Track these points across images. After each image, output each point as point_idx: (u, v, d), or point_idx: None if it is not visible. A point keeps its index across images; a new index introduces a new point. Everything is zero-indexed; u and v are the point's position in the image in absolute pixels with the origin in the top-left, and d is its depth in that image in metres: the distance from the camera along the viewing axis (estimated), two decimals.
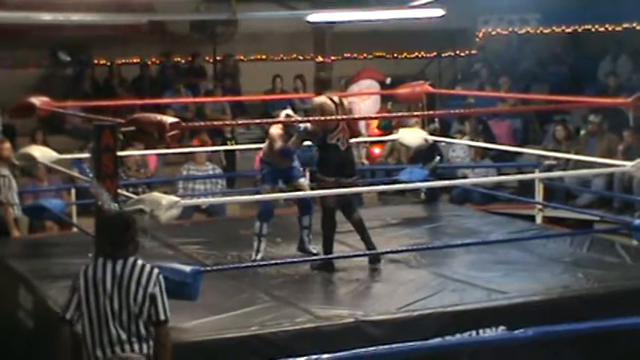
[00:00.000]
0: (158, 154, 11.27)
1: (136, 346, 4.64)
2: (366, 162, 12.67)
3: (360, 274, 6.79)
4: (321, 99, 7.09)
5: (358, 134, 7.55)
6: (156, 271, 4.74)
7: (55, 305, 5.68)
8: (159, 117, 5.87)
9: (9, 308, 6.85)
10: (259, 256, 7.25)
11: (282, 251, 7.59)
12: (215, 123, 12.36)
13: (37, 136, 11.50)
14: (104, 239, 4.80)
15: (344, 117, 7.18)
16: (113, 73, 14.22)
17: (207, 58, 15.03)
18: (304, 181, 7.59)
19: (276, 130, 7.40)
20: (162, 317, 4.68)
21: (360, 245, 7.54)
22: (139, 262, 4.74)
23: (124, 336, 4.62)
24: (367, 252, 7.15)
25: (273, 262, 7.00)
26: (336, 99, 7.16)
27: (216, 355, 5.35)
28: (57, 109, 8.98)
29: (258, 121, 11.83)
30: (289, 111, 7.64)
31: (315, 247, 7.36)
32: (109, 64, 14.41)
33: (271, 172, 7.37)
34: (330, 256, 7.11)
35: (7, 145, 8.44)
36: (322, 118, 6.96)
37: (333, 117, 6.97)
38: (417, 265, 7.04)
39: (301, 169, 7.63)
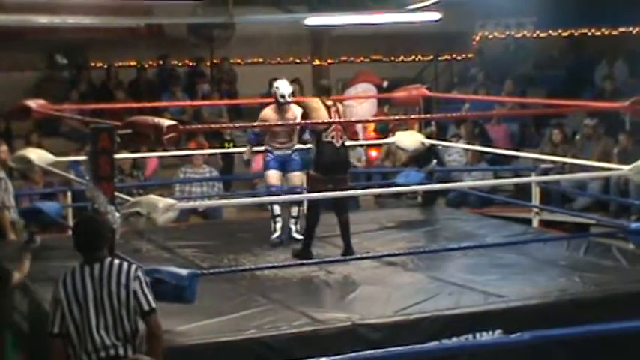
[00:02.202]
0: (153, 159, 11.27)
1: (121, 350, 4.63)
2: (359, 164, 12.69)
3: (356, 278, 6.79)
4: (311, 100, 7.57)
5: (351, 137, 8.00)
6: (134, 266, 4.74)
7: None
8: (156, 120, 5.87)
9: (4, 311, 6.84)
10: (275, 235, 7.95)
11: (279, 254, 7.60)
12: (212, 126, 12.36)
13: (32, 138, 11.48)
14: (79, 244, 4.78)
15: (341, 120, 7.54)
16: (110, 75, 14.21)
17: (204, 62, 15.03)
18: (299, 174, 8.10)
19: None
20: (146, 308, 4.68)
21: (356, 248, 7.56)
22: (116, 261, 4.74)
23: (108, 341, 4.61)
24: (365, 255, 7.17)
25: (270, 265, 7.01)
26: (329, 102, 7.50)
27: (213, 358, 5.34)
28: (53, 112, 8.97)
29: (255, 124, 11.76)
30: None
31: (299, 233, 7.83)
32: (106, 67, 14.41)
33: (273, 159, 8.09)
34: (328, 259, 7.14)
35: (4, 147, 8.43)
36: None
37: (326, 119, 7.31)
38: (413, 269, 7.04)
39: (299, 162, 8.23)
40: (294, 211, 8.00)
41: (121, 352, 4.62)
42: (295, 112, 8.02)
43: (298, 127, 8.40)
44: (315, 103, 7.45)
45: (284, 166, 8.14)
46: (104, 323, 4.61)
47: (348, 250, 7.36)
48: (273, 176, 8.12)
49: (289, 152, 8.14)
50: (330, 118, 7.35)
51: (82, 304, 4.63)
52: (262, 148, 8.41)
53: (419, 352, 4.69)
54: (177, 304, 5.46)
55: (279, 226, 7.98)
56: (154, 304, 4.71)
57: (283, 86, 8.02)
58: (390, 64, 15.86)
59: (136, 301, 4.66)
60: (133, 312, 4.65)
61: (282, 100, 7.95)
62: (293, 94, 8.11)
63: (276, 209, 8.00)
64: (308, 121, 7.59)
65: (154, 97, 13.25)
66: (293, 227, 7.99)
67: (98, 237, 4.76)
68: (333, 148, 7.33)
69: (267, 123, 8.04)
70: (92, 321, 4.61)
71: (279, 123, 8.00)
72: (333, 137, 7.32)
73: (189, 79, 14.69)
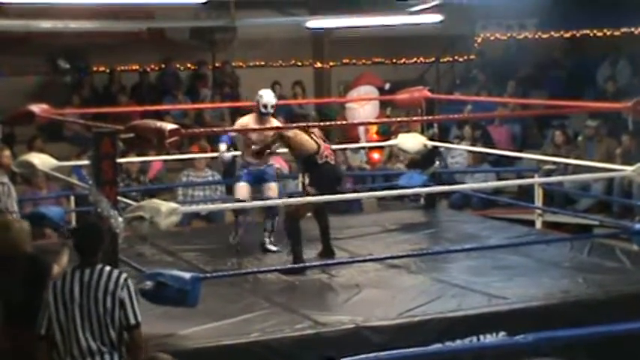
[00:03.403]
0: (158, 161, 11.27)
1: (107, 357, 4.63)
2: (366, 166, 12.72)
3: (360, 280, 6.79)
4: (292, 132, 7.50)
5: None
6: (124, 275, 4.73)
7: None
8: (158, 124, 5.87)
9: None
10: (234, 240, 7.93)
11: (281, 258, 7.59)
12: (214, 129, 12.36)
13: (35, 143, 11.48)
14: (75, 246, 4.80)
15: (344, 123, 7.41)
16: (113, 80, 14.22)
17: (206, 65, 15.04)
18: (274, 185, 8.00)
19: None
20: (132, 321, 4.66)
21: (359, 251, 7.56)
22: (107, 268, 4.73)
23: (94, 346, 4.61)
24: (367, 258, 7.16)
25: (273, 268, 7.01)
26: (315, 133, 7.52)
27: None
28: (56, 117, 8.98)
29: (257, 127, 11.79)
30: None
31: (276, 245, 7.75)
32: (108, 71, 14.42)
33: (247, 173, 7.92)
34: (331, 262, 7.14)
35: (7, 152, 8.42)
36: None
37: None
38: (416, 271, 7.04)
39: (274, 174, 8.09)
40: (269, 224, 7.82)
41: (107, 359, 4.62)
42: (275, 125, 7.97)
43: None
44: (292, 132, 7.45)
45: (258, 179, 7.96)
46: (90, 329, 4.61)
47: (327, 251, 7.47)
48: (242, 189, 7.87)
49: (262, 167, 7.96)
50: (312, 138, 7.37)
51: (68, 308, 4.63)
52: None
53: (422, 354, 4.68)
54: (180, 308, 5.46)
55: (239, 232, 7.96)
56: (140, 318, 4.69)
57: (268, 96, 7.81)
58: (392, 67, 15.85)
59: (123, 312, 4.64)
60: (119, 321, 4.63)
61: (264, 111, 7.76)
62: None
63: (240, 218, 8.01)
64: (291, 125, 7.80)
65: (156, 101, 13.24)
66: (267, 240, 7.81)
67: (92, 242, 4.76)
68: (331, 166, 7.36)
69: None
70: (78, 326, 4.61)
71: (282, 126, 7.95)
72: (327, 156, 7.33)
73: (192, 82, 14.69)
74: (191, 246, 8.00)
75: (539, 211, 9.16)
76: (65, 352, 4.62)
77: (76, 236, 4.85)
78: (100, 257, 4.78)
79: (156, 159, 10.82)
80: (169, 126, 5.82)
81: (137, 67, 14.61)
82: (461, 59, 16.29)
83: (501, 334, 5.79)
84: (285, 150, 7.96)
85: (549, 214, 9.62)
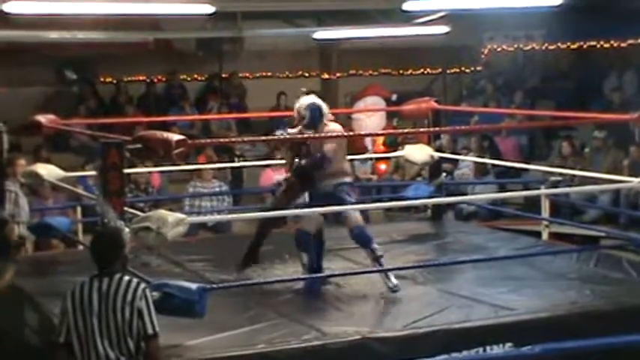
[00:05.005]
0: (163, 172, 11.29)
1: None
2: (374, 177, 12.76)
3: (366, 291, 6.78)
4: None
5: None
6: (142, 285, 4.73)
7: None
8: (165, 134, 5.87)
9: (15, 326, 6.85)
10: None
11: (289, 268, 7.59)
12: (221, 140, 12.39)
13: (41, 153, 11.51)
14: (92, 256, 4.80)
15: (352, 134, 7.37)
16: (120, 90, 14.27)
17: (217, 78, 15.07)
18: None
19: None
20: (150, 331, 4.66)
21: (366, 262, 7.53)
22: (125, 278, 4.73)
23: (112, 355, 4.61)
24: (375, 269, 7.14)
25: (279, 279, 7.00)
26: None
27: None
28: (63, 127, 9.00)
29: (263, 138, 11.82)
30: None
31: None
32: (115, 81, 14.47)
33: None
34: (338, 272, 7.12)
35: (23, 161, 8.44)
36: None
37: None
38: (423, 282, 7.02)
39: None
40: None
41: None
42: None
43: None
44: None
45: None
46: (108, 338, 4.62)
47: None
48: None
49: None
50: None
51: (86, 317, 4.64)
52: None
53: None
54: (186, 319, 5.46)
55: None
56: (157, 329, 4.70)
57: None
58: (399, 78, 15.88)
59: (141, 322, 4.64)
60: (136, 331, 4.64)
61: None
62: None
63: None
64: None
65: (163, 112, 13.29)
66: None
67: (109, 252, 4.76)
68: None
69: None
70: (96, 335, 4.62)
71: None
72: None
73: (203, 94, 14.74)
74: (198, 256, 7.99)
75: (545, 223, 9.14)
76: (83, 359, 4.63)
77: (91, 246, 4.86)
78: (118, 266, 4.78)
79: (162, 169, 10.83)
80: (176, 137, 5.83)
81: (144, 77, 14.66)
82: (468, 70, 16.32)
83: (508, 345, 5.77)
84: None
85: (556, 225, 9.60)
